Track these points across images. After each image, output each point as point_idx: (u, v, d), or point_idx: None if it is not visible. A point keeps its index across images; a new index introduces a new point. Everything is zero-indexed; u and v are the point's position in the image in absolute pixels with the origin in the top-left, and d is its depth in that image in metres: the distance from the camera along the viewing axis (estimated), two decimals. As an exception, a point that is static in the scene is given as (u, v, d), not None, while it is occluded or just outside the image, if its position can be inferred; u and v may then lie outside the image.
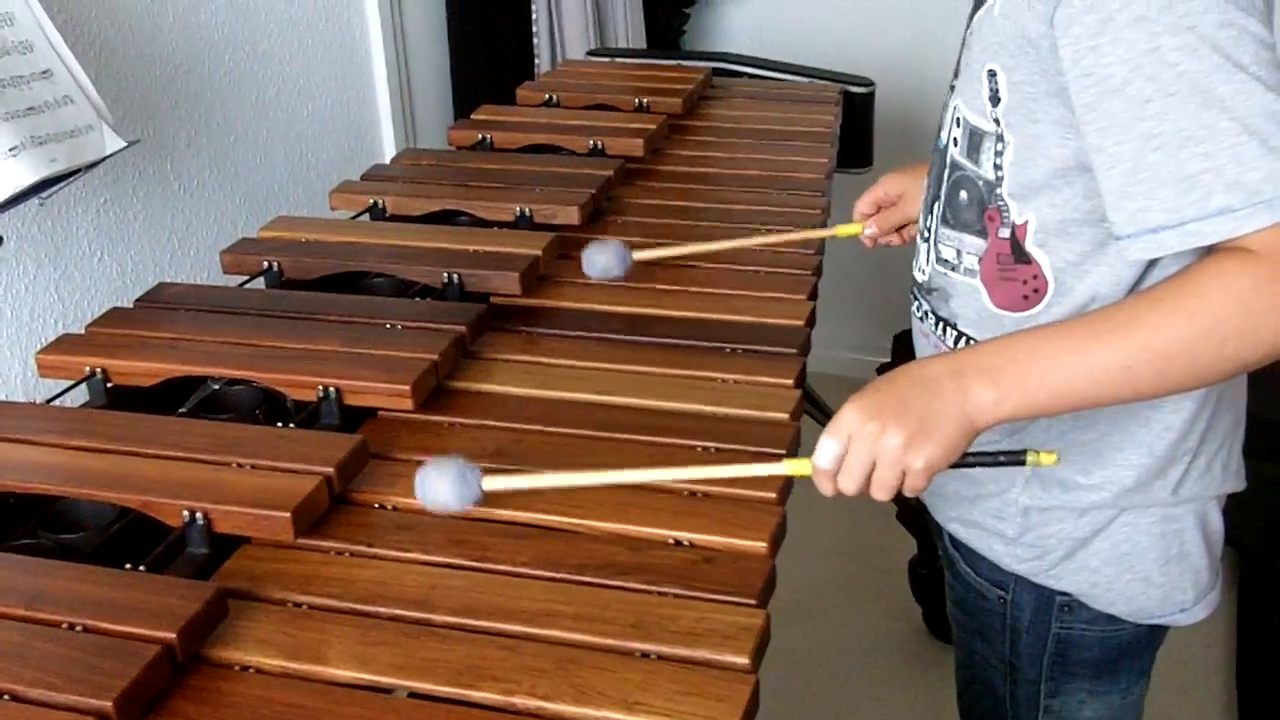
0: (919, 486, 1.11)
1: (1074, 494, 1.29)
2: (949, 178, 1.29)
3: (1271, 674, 2.52)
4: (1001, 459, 1.15)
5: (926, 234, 1.35)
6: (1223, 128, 1.01)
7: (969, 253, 1.28)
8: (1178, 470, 1.27)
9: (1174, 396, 1.22)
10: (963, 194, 1.27)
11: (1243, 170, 1.00)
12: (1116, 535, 1.29)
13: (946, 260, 1.32)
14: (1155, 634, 1.39)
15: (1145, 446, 1.26)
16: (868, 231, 1.66)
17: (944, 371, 1.10)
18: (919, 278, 1.38)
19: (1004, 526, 1.33)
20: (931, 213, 1.34)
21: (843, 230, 1.70)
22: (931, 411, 1.08)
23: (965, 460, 1.11)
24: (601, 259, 1.64)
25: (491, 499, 1.22)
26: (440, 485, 1.17)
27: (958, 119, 1.26)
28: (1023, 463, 1.14)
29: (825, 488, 1.14)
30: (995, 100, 1.19)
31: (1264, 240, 1.02)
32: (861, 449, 1.09)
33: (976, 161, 1.24)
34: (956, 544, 1.42)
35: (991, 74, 1.19)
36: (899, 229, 1.66)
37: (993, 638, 1.42)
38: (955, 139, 1.27)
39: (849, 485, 1.11)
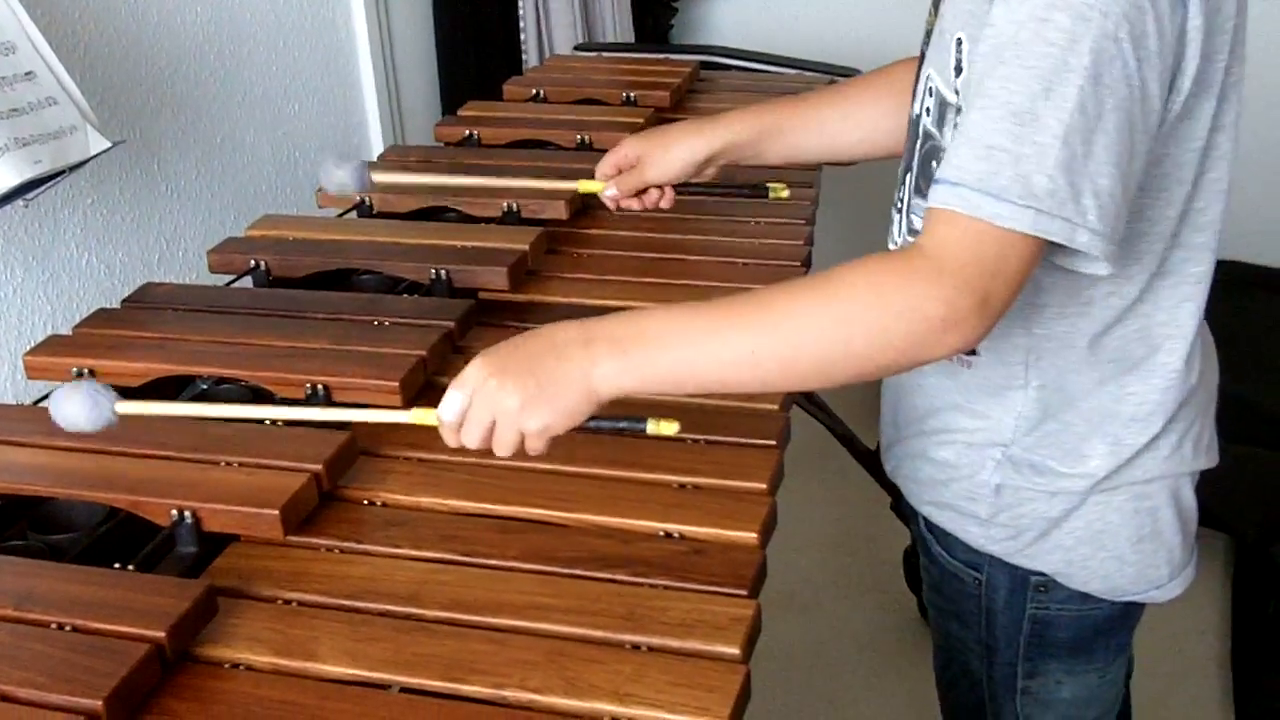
0: (536, 448, 1.10)
1: (1046, 478, 1.28)
2: (921, 148, 1.28)
3: (1266, 660, 2.52)
4: (623, 425, 1.13)
5: (900, 204, 1.35)
6: (1045, 124, 0.99)
7: None
8: (1149, 452, 1.27)
9: (1140, 390, 1.23)
10: (934, 164, 1.25)
11: (1037, 170, 0.99)
12: (1090, 514, 1.29)
13: (919, 231, 1.30)
14: (1130, 611, 1.39)
15: (1112, 437, 1.25)
16: (609, 193, 1.66)
17: (576, 337, 1.08)
18: (891, 249, 1.37)
19: (977, 508, 1.33)
20: (904, 183, 1.33)
21: (584, 185, 1.71)
22: (554, 376, 1.07)
23: (587, 424, 1.09)
24: (340, 174, 1.66)
25: (477, 493, 1.23)
26: (71, 406, 1.14)
27: (930, 88, 1.25)
28: (643, 431, 1.12)
29: (449, 440, 1.12)
30: (958, 70, 1.18)
31: (941, 240, 1.02)
32: (481, 406, 1.08)
33: (942, 133, 1.22)
34: (931, 527, 1.42)
35: (959, 43, 1.17)
36: (638, 194, 1.65)
37: (969, 620, 1.42)
38: (928, 109, 1.25)
39: (470, 440, 1.10)
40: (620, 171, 1.65)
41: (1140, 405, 1.24)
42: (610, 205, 1.69)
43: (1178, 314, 1.20)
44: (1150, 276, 1.18)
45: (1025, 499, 1.30)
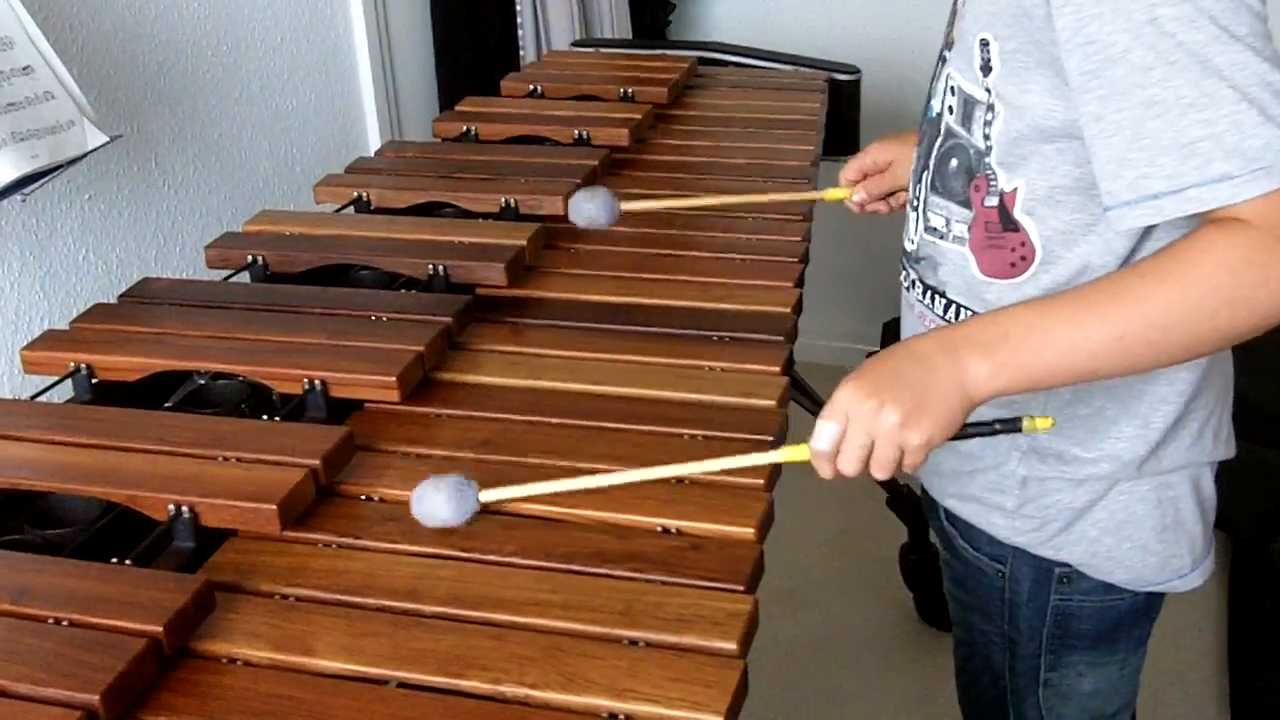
0: (917, 462, 1.11)
1: (1071, 466, 1.29)
2: (940, 146, 1.29)
3: (1263, 657, 2.52)
4: (998, 427, 1.15)
5: (916, 202, 1.36)
6: (1222, 95, 1.02)
7: (957, 220, 1.29)
8: (1172, 440, 1.28)
9: (1169, 369, 1.23)
10: (953, 162, 1.27)
11: (1242, 137, 1.01)
12: (1114, 504, 1.30)
13: (935, 229, 1.32)
14: (1152, 603, 1.40)
15: (1140, 419, 1.27)
16: (856, 197, 1.67)
17: (937, 347, 1.10)
18: (908, 247, 1.39)
19: (1003, 499, 1.34)
20: (920, 181, 1.35)
21: (830, 194, 1.71)
22: (927, 387, 1.08)
23: (963, 432, 1.11)
24: (589, 207, 1.64)
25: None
26: (437, 500, 1.16)
27: (952, 87, 1.26)
28: (1019, 429, 1.15)
29: (825, 471, 1.14)
30: (986, 70, 1.20)
31: (1258, 210, 1.03)
32: (859, 429, 1.09)
33: (969, 130, 1.25)
34: (954, 520, 1.42)
35: (984, 43, 1.19)
36: (886, 197, 1.67)
37: (991, 613, 1.43)
38: (950, 107, 1.27)
39: (848, 467, 1.11)
40: (865, 176, 1.67)
41: (1169, 383, 1.25)
42: (855, 209, 1.70)
43: None
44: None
45: (1051, 489, 1.31)
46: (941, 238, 1.31)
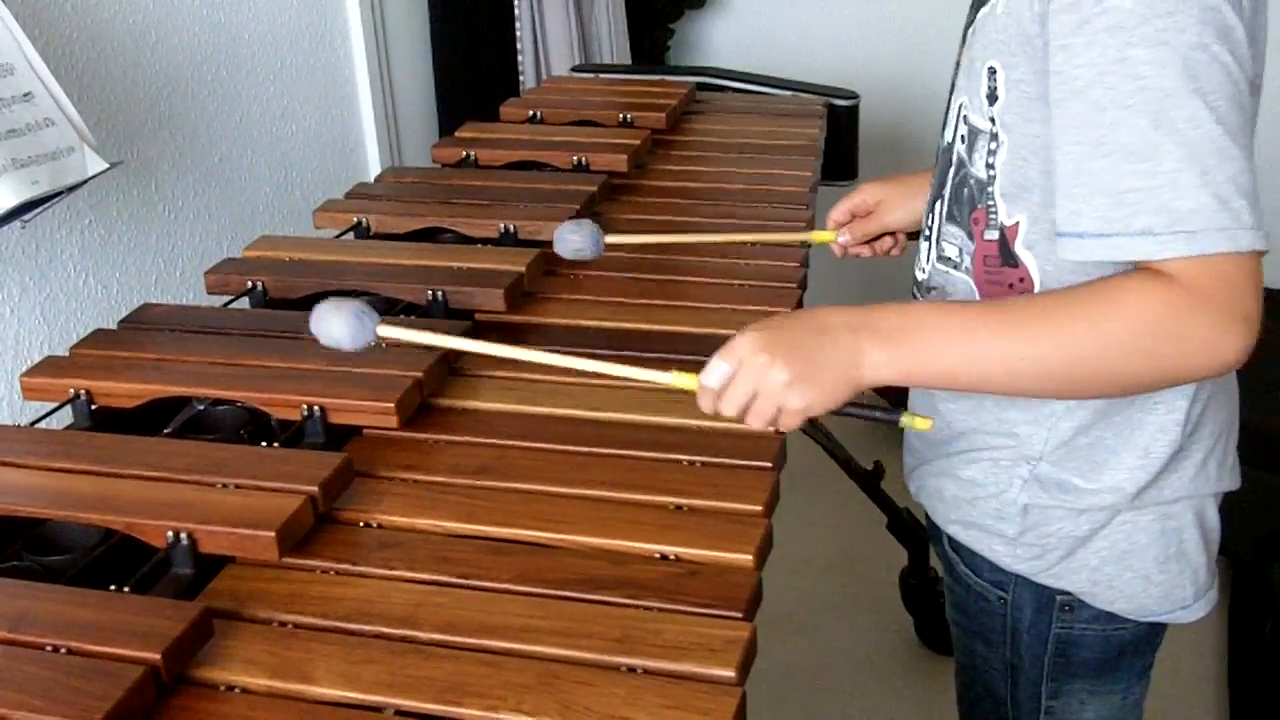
0: (792, 425, 1.14)
1: (1073, 495, 1.29)
2: (954, 175, 1.29)
3: (1263, 681, 2.52)
4: (878, 415, 1.17)
5: (928, 232, 1.35)
6: (1167, 151, 1.01)
7: (968, 252, 1.29)
8: (1174, 471, 1.28)
9: (1168, 398, 1.23)
10: (965, 191, 1.28)
11: (1175, 196, 1.01)
12: (1115, 534, 1.29)
13: (949, 258, 1.32)
14: (1155, 632, 1.39)
15: (1140, 449, 1.26)
16: (840, 239, 1.65)
17: (844, 323, 1.12)
18: (919, 276, 1.39)
19: (1004, 526, 1.33)
20: (934, 210, 1.34)
21: (818, 236, 1.69)
22: (820, 359, 1.11)
23: (843, 409, 1.14)
24: (575, 239, 1.65)
25: (472, 515, 1.23)
26: (335, 323, 1.23)
27: (963, 116, 1.26)
28: (897, 422, 1.16)
29: (706, 406, 1.16)
30: (992, 99, 1.20)
31: (1186, 269, 1.03)
32: (747, 378, 1.12)
33: (972, 160, 1.24)
34: (956, 547, 1.42)
35: (992, 71, 1.19)
36: (871, 241, 1.65)
37: (993, 640, 1.42)
38: (962, 136, 1.27)
39: (728, 409, 1.14)
40: (854, 217, 1.65)
41: (1169, 413, 1.24)
42: (837, 252, 1.68)
43: None
44: None
45: (1053, 518, 1.30)
46: (955, 267, 1.31)
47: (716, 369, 1.14)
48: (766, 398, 1.12)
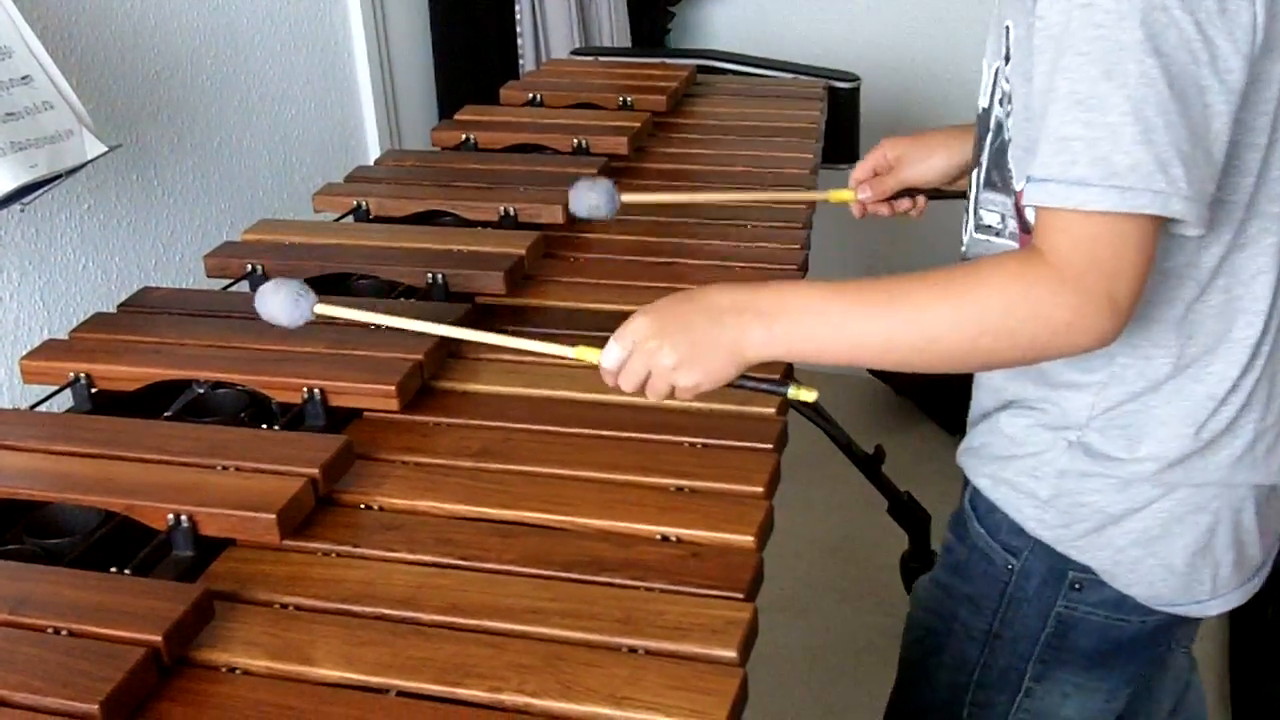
0: (687, 400, 1.20)
1: (1115, 465, 1.26)
2: (994, 141, 1.27)
3: (1265, 666, 2.52)
4: (764, 387, 1.21)
5: (969, 201, 1.34)
6: (1114, 103, 1.01)
7: (1012, 217, 1.27)
8: (1223, 447, 1.25)
9: (1219, 367, 1.21)
10: (1005, 156, 1.26)
11: (1114, 149, 1.01)
12: (1149, 519, 1.27)
13: (990, 226, 1.30)
14: (1157, 638, 1.36)
15: (1188, 418, 1.23)
16: (860, 196, 1.64)
17: (730, 305, 1.16)
18: (961, 249, 1.37)
19: (1037, 486, 1.30)
20: (974, 179, 1.32)
21: (835, 195, 1.69)
22: (706, 340, 1.16)
23: (734, 382, 1.19)
24: (591, 196, 1.65)
25: (474, 496, 1.23)
26: (274, 302, 1.32)
27: (999, 79, 1.25)
28: (785, 392, 1.21)
29: (609, 382, 1.22)
30: (1007, 58, 1.20)
31: (1058, 246, 1.04)
32: (640, 360, 1.18)
33: (1009, 121, 1.23)
34: (976, 504, 1.38)
35: (1006, 30, 1.19)
36: (891, 200, 1.64)
37: (983, 605, 1.39)
38: (999, 99, 1.25)
39: (626, 387, 1.20)
40: (876, 174, 1.64)
41: (1220, 383, 1.22)
42: (856, 212, 1.67)
43: (1254, 286, 1.19)
44: (1228, 248, 1.17)
45: (1089, 488, 1.28)
46: (997, 234, 1.29)
47: (612, 351, 1.20)
48: (658, 378, 1.18)
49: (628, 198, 1.68)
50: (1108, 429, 1.25)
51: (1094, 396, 1.25)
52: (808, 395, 1.20)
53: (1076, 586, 1.33)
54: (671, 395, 1.19)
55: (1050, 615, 1.35)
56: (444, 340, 1.47)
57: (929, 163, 1.60)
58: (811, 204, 1.85)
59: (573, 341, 1.28)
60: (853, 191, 1.65)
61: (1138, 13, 1.01)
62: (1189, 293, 1.18)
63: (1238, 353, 1.21)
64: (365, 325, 1.41)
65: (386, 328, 1.40)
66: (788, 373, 1.34)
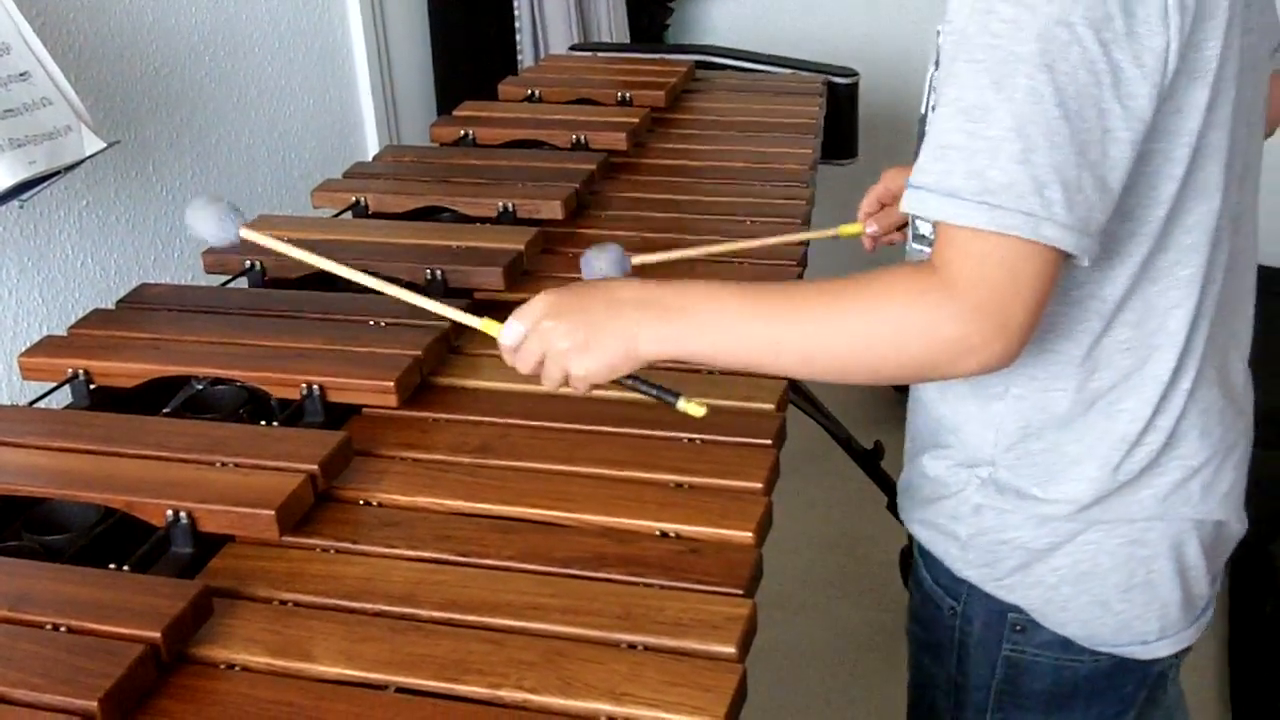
0: (579, 389, 1.15)
1: (1029, 503, 1.21)
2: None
3: (1263, 660, 2.52)
4: (654, 393, 1.18)
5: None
6: (998, 117, 0.96)
7: None
8: (1144, 487, 1.19)
9: (1133, 407, 1.16)
10: None
11: (990, 164, 0.96)
12: (1078, 553, 1.21)
13: (924, 235, 1.28)
14: (1117, 677, 1.28)
15: (1101, 459, 1.18)
16: (869, 230, 1.60)
17: (633, 298, 1.13)
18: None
19: (957, 527, 1.27)
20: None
21: (845, 230, 1.64)
22: (602, 329, 1.12)
23: (629, 381, 1.16)
24: (600, 264, 1.59)
25: (473, 493, 1.24)
26: (200, 221, 1.34)
27: (933, 85, 1.23)
28: (674, 403, 1.17)
29: (507, 361, 1.18)
30: (938, 63, 1.17)
31: (950, 260, 0.99)
32: (536, 340, 1.14)
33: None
34: (920, 549, 1.36)
35: (938, 33, 1.16)
36: (901, 227, 1.59)
37: (941, 654, 1.35)
38: (932, 105, 1.22)
39: (522, 367, 1.17)
40: (883, 206, 1.59)
41: (1133, 422, 1.17)
42: (867, 245, 1.63)
43: (1167, 321, 1.13)
44: (1134, 279, 1.11)
45: (1010, 524, 1.23)
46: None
47: (511, 327, 1.16)
48: (552, 362, 1.14)
49: (639, 259, 1.63)
50: (1018, 466, 1.21)
51: (994, 431, 1.22)
52: (696, 411, 1.16)
53: (1018, 628, 1.28)
54: (566, 383, 1.15)
55: (999, 660, 1.30)
56: (443, 335, 1.47)
57: None
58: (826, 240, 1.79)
59: (479, 314, 1.26)
60: (861, 225, 1.61)
61: (1036, 26, 0.96)
62: (1093, 325, 1.13)
63: (1150, 390, 1.16)
64: (293, 258, 1.40)
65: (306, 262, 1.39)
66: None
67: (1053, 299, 1.10)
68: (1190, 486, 1.20)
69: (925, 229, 1.27)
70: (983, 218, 0.97)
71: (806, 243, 1.80)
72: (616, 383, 1.14)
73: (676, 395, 1.17)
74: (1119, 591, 1.22)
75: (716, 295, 1.11)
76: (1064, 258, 1.00)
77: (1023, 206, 0.96)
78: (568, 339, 1.12)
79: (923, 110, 1.27)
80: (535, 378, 1.42)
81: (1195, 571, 1.24)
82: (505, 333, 1.16)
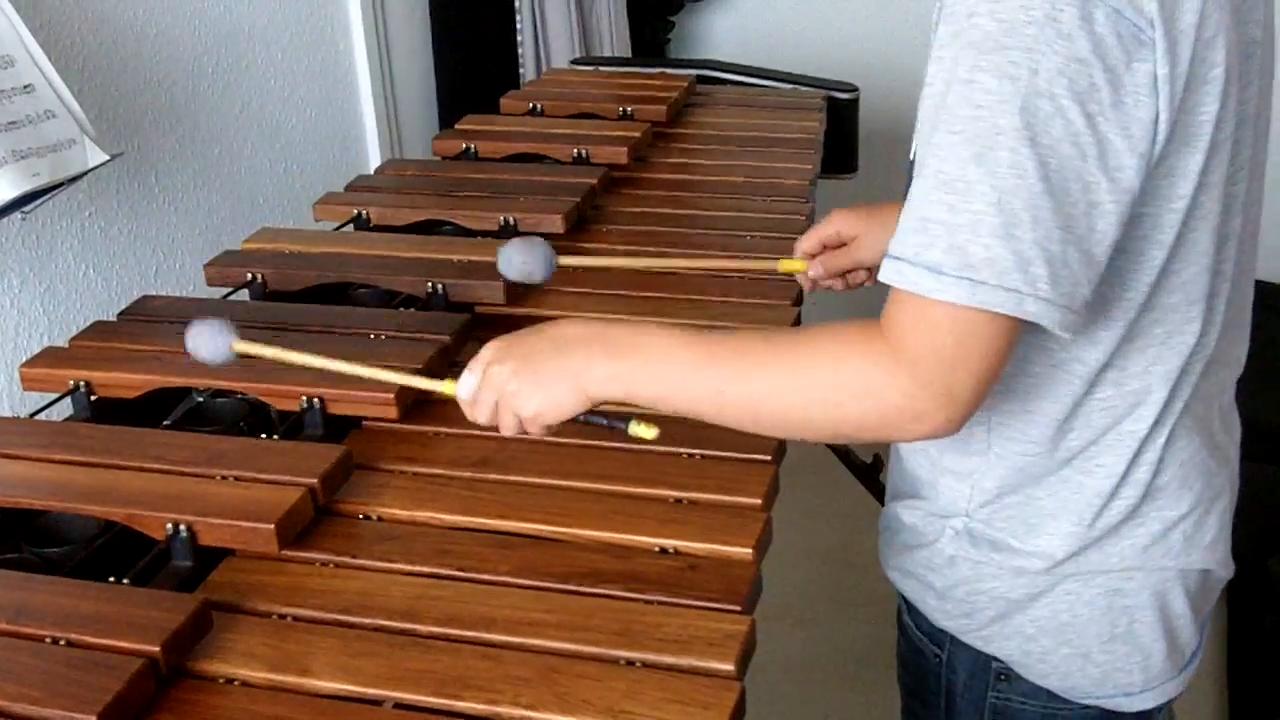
0: (532, 432, 1.14)
1: (1005, 554, 1.20)
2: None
3: (1263, 674, 2.52)
4: (605, 423, 1.16)
5: None
6: (979, 191, 0.94)
7: None
8: (1123, 539, 1.17)
9: (1109, 462, 1.15)
10: None
11: (972, 239, 0.94)
12: (1057, 603, 1.20)
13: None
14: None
15: (1077, 515, 1.16)
16: (811, 273, 1.53)
17: (581, 336, 1.12)
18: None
19: (934, 578, 1.26)
20: None
21: (785, 265, 1.57)
22: (550, 369, 1.11)
23: (581, 417, 1.13)
24: (520, 260, 1.50)
25: (472, 507, 1.24)
26: (196, 340, 1.27)
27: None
28: (625, 429, 1.15)
29: (467, 413, 1.16)
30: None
31: (899, 327, 0.98)
32: (488, 388, 1.13)
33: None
34: (903, 596, 1.35)
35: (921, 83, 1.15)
36: (844, 274, 1.53)
37: (929, 700, 1.33)
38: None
39: (480, 418, 1.15)
40: (824, 249, 1.53)
41: (1108, 477, 1.15)
42: (806, 286, 1.58)
43: (1149, 380, 1.12)
44: (1119, 342, 1.09)
45: (986, 575, 1.22)
46: None
47: (465, 381, 1.15)
48: (504, 407, 1.12)
49: (566, 260, 1.56)
50: (993, 519, 1.20)
51: (970, 486, 1.20)
52: (647, 433, 1.14)
53: (1003, 677, 1.26)
54: (523, 429, 1.13)
55: (985, 708, 1.28)
56: (444, 349, 1.47)
57: (886, 239, 1.45)
58: (759, 272, 1.73)
59: (443, 377, 1.23)
60: (803, 263, 1.54)
61: (1019, 98, 0.93)
62: (1075, 388, 1.12)
63: (1125, 446, 1.14)
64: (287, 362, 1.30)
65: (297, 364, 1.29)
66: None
67: (1036, 363, 1.10)
68: (1171, 538, 1.19)
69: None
70: (964, 293, 0.94)
71: (766, 274, 1.73)
72: (570, 421, 1.12)
73: (627, 419, 1.15)
74: (1100, 642, 1.21)
75: (670, 340, 1.09)
76: (1030, 326, 0.98)
77: (1005, 282, 0.94)
78: (515, 380, 1.11)
79: (912, 156, 1.25)
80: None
81: (1182, 620, 1.23)
82: (461, 387, 1.15)
